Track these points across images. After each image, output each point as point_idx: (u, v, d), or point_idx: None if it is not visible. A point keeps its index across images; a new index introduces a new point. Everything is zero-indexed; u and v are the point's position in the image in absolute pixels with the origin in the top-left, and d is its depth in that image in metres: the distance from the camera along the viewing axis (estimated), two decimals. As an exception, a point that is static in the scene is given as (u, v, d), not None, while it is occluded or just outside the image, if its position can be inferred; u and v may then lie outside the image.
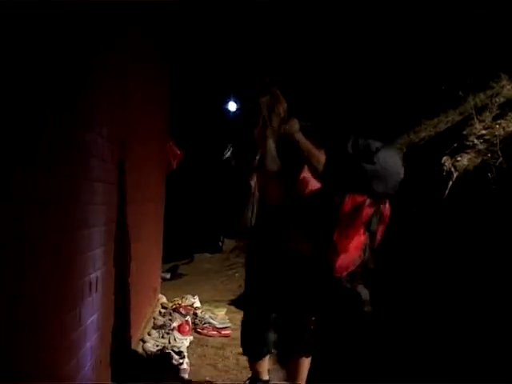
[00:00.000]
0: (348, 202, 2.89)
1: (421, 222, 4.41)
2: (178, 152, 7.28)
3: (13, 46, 1.60)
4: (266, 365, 3.35)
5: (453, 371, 3.10)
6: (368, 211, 2.91)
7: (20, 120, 1.68)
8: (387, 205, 2.99)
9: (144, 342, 4.62)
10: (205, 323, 5.48)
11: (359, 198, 2.89)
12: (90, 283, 2.77)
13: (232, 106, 3.15)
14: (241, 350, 3.50)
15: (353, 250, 2.91)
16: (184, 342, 4.81)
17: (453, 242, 3.84)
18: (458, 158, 4.37)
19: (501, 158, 3.81)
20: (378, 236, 3.00)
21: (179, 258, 9.65)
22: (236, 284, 7.05)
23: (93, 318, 2.87)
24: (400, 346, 3.62)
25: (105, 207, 3.11)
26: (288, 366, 3.38)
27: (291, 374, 3.32)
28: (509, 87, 5.09)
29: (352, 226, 2.90)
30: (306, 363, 3.28)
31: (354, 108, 11.40)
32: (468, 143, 4.45)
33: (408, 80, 9.73)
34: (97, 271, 2.93)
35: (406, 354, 3.50)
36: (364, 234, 2.94)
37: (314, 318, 3.26)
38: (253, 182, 3.17)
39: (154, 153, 5.46)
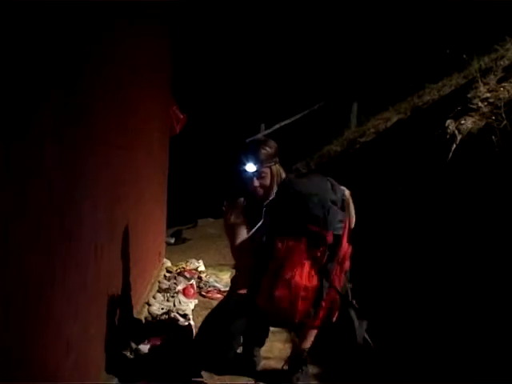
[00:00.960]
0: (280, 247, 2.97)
1: (425, 186, 4.42)
2: (181, 116, 7.24)
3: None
4: None
5: (453, 371, 3.10)
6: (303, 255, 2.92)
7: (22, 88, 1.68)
8: (343, 245, 2.95)
9: (149, 305, 4.67)
10: (209, 286, 5.55)
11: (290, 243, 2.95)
12: (96, 248, 2.79)
13: (250, 168, 3.35)
14: None
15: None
16: (189, 304, 4.87)
17: (457, 206, 3.85)
18: (462, 121, 4.35)
19: (505, 121, 3.79)
20: (335, 275, 2.96)
21: (183, 223, 9.66)
22: (240, 248, 7.06)
23: (98, 282, 2.90)
24: (400, 346, 3.62)
25: (108, 173, 3.11)
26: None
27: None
28: (514, 50, 5.04)
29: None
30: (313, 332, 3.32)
31: (358, 72, 11.35)
32: (472, 106, 4.42)
33: (412, 44, 9.65)
34: (102, 236, 2.95)
35: (405, 353, 3.50)
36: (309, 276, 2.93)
37: None
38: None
39: (156, 117, 5.44)
